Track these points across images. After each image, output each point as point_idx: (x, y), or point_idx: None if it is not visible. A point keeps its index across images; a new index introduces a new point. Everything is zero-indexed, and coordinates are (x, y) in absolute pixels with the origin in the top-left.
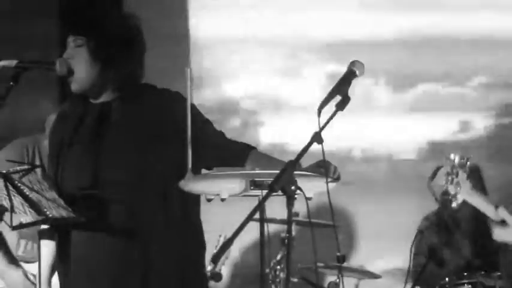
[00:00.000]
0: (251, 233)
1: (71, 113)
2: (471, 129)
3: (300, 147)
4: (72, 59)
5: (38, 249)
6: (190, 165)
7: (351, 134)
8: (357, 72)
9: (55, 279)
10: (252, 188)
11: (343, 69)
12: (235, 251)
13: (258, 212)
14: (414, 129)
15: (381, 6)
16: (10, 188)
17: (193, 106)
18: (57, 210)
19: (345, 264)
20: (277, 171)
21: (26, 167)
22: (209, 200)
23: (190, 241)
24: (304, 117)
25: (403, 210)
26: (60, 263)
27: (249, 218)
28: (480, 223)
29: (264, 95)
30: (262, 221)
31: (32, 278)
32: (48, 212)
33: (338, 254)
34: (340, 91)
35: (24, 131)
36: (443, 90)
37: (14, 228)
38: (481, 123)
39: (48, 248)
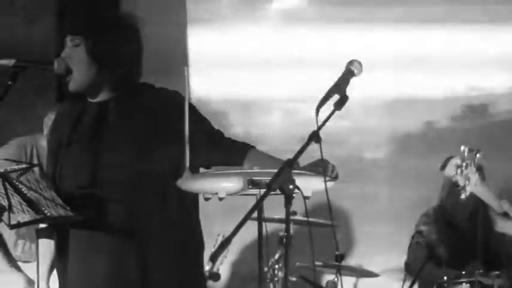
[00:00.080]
0: (249, 232)
1: (69, 112)
2: None
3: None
4: (70, 59)
5: (36, 249)
6: (188, 164)
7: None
8: (355, 72)
9: (54, 278)
10: (250, 187)
11: None
12: (233, 250)
13: (256, 211)
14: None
15: None
16: (8, 187)
17: (191, 105)
18: (55, 209)
19: (343, 263)
20: (275, 170)
21: (24, 166)
22: (207, 199)
23: (189, 240)
24: None
25: (402, 209)
26: (59, 262)
27: (247, 217)
28: (480, 221)
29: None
30: (260, 220)
31: (32, 284)
32: (46, 211)
33: (336, 252)
34: (339, 90)
35: (22, 131)
36: None
37: (12, 227)
38: None
39: (46, 246)
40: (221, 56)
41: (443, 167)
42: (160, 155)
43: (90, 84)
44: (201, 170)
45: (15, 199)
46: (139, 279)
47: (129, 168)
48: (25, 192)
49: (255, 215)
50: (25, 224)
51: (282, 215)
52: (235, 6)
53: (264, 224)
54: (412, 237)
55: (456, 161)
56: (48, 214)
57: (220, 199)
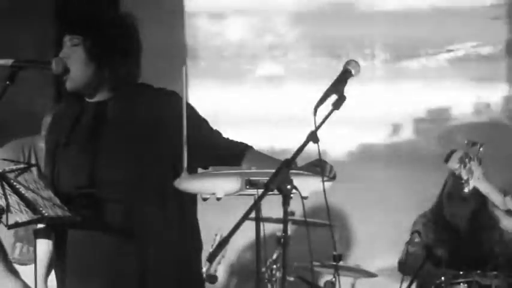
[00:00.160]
0: (247, 232)
1: (67, 112)
2: None
3: None
4: (68, 58)
5: (34, 250)
6: (185, 165)
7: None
8: (353, 72)
9: (52, 278)
10: (247, 187)
11: None
12: (231, 250)
13: (254, 211)
14: None
15: None
16: (6, 186)
17: (189, 105)
18: (53, 209)
19: (341, 263)
20: (273, 170)
21: (21, 166)
22: (205, 199)
23: (187, 240)
24: None
25: (400, 209)
26: (57, 262)
27: (245, 217)
28: (478, 221)
29: None
30: (258, 220)
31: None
32: (44, 211)
33: (334, 253)
34: (336, 90)
35: (20, 131)
36: None
37: (9, 227)
38: None
39: (44, 247)
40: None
41: (446, 159)
42: (158, 155)
43: (88, 84)
44: (199, 170)
45: (13, 199)
46: (138, 279)
47: (127, 169)
48: (23, 192)
49: (252, 215)
50: (23, 224)
51: (279, 215)
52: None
53: (261, 224)
54: (410, 237)
55: (459, 154)
56: (46, 214)
57: (218, 199)
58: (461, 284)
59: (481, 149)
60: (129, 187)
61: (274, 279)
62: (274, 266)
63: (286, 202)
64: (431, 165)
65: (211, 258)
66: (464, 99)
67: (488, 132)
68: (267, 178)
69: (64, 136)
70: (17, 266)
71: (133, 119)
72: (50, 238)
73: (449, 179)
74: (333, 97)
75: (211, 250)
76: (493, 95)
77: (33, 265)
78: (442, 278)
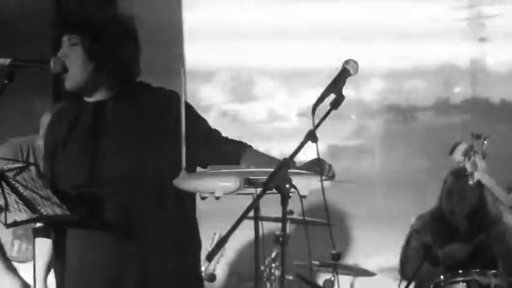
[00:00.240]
0: (246, 231)
1: (66, 112)
2: None
3: None
4: (67, 58)
5: (32, 247)
6: (184, 164)
7: None
8: (351, 71)
9: (51, 277)
10: (246, 186)
11: None
12: (230, 249)
13: (253, 210)
14: None
15: None
16: (4, 185)
17: (188, 104)
18: (51, 208)
19: (340, 262)
20: (272, 169)
21: (20, 165)
22: (203, 198)
23: (186, 239)
24: None
25: (399, 208)
26: (56, 262)
27: (244, 216)
28: (477, 222)
29: None
30: (257, 219)
31: (28, 284)
32: (42, 210)
33: (333, 251)
34: (335, 90)
35: (19, 130)
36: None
37: (8, 226)
38: None
39: (43, 246)
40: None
41: (451, 152)
42: (157, 154)
43: (87, 83)
44: (198, 169)
45: (12, 198)
46: (137, 278)
47: (126, 168)
48: (21, 191)
49: (251, 214)
50: (22, 223)
51: (278, 214)
52: None
53: (260, 223)
54: (408, 237)
55: (464, 146)
56: (45, 213)
57: (217, 198)
58: (460, 282)
59: (485, 142)
60: (128, 186)
61: (273, 278)
62: (273, 265)
63: (284, 201)
64: (431, 164)
65: (210, 257)
66: None
67: None
68: (266, 177)
69: (63, 135)
70: (15, 264)
71: (132, 119)
72: (49, 237)
73: (448, 177)
74: (331, 96)
75: (210, 249)
76: None
77: (31, 263)
78: (441, 276)
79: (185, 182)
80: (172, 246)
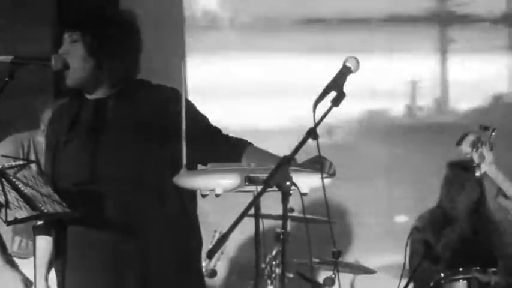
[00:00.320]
0: (246, 228)
1: (67, 109)
2: None
3: None
4: (68, 54)
5: (33, 243)
6: (185, 161)
7: None
8: (352, 68)
9: (52, 275)
10: (246, 183)
11: None
12: (230, 247)
13: (253, 208)
14: None
15: None
16: (5, 183)
17: (188, 101)
18: (52, 205)
19: (340, 260)
20: (272, 167)
21: (20, 162)
22: (204, 196)
23: (187, 237)
24: None
25: (399, 206)
26: (57, 259)
27: (244, 213)
28: (479, 218)
29: None
30: (257, 216)
31: (29, 279)
32: (42, 207)
33: (333, 249)
34: (336, 87)
35: (20, 127)
36: None
37: (8, 223)
38: None
39: (44, 243)
40: None
41: (459, 142)
42: (158, 151)
43: (88, 80)
44: (199, 166)
45: (12, 195)
46: (138, 275)
47: (126, 165)
48: (22, 188)
49: (252, 211)
50: (22, 220)
51: (279, 211)
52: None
53: (261, 220)
54: (409, 235)
55: (472, 137)
56: (45, 210)
57: (217, 196)
58: (461, 280)
59: (493, 134)
60: (129, 184)
61: (273, 275)
62: (274, 263)
63: (285, 199)
64: (432, 161)
65: (211, 254)
66: None
67: None
68: (266, 174)
69: (64, 133)
70: (16, 260)
71: (133, 116)
72: (49, 235)
73: (447, 169)
74: (332, 94)
75: (210, 246)
76: None
77: (32, 259)
78: (442, 274)
79: (185, 180)
80: (173, 243)
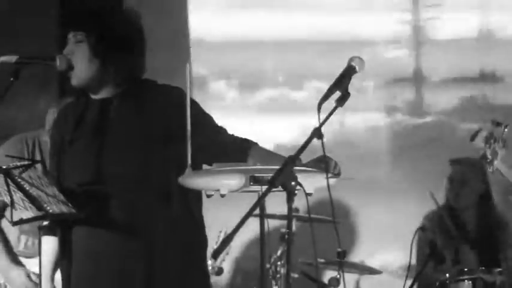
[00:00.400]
0: (251, 228)
1: (72, 109)
2: None
3: None
4: (73, 55)
5: (38, 242)
6: (189, 161)
7: None
8: (357, 68)
9: (58, 275)
10: (251, 183)
11: None
12: (235, 247)
13: (258, 208)
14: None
15: None
16: (10, 183)
17: (193, 101)
18: (57, 205)
19: (345, 260)
20: (278, 167)
21: (26, 162)
22: (209, 196)
23: (193, 237)
24: None
25: (405, 206)
26: (62, 259)
27: (249, 213)
28: (485, 225)
29: None
30: (262, 216)
31: (34, 277)
32: (48, 208)
33: (339, 249)
34: (340, 87)
35: (25, 126)
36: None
37: (14, 223)
38: None
39: (49, 243)
40: None
41: (472, 138)
42: (163, 151)
43: (92, 80)
44: (204, 166)
45: (18, 196)
46: (144, 275)
47: (132, 165)
48: (27, 188)
49: (257, 211)
50: (27, 220)
51: (284, 211)
52: None
53: (266, 220)
54: (415, 235)
55: (485, 133)
56: (50, 211)
57: (222, 196)
58: (466, 281)
59: (505, 130)
60: (134, 183)
61: (278, 275)
62: (279, 263)
63: (290, 199)
64: (438, 162)
65: (216, 254)
66: None
67: None
68: (272, 175)
69: (69, 133)
70: (22, 259)
71: (138, 116)
72: (55, 235)
73: (450, 167)
74: (337, 94)
75: (215, 247)
76: None
77: (37, 258)
78: (447, 274)
79: (191, 180)
80: (177, 243)
